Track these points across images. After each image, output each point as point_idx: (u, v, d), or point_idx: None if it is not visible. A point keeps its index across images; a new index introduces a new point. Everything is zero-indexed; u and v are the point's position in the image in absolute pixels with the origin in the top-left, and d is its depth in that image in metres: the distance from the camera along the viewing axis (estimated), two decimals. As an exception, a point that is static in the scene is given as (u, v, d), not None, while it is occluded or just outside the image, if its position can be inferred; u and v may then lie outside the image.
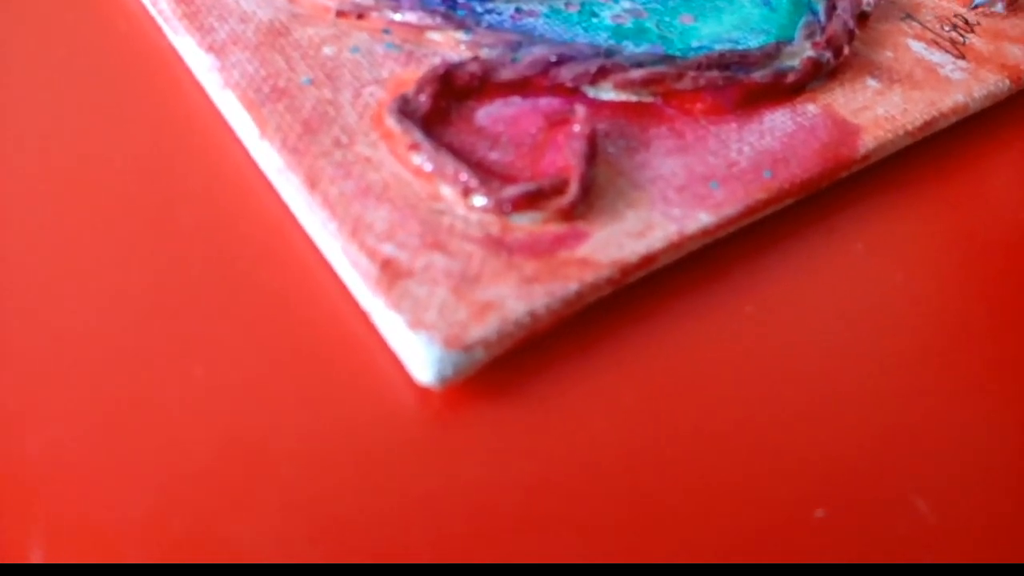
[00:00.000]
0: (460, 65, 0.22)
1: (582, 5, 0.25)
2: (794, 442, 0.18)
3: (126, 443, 0.16)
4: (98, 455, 0.16)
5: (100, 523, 0.16)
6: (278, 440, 0.17)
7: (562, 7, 0.25)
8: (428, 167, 0.20)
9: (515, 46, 0.23)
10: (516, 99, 0.22)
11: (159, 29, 0.23)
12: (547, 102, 0.22)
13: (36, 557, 0.15)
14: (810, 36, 0.25)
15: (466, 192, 0.19)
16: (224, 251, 0.19)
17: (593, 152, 0.20)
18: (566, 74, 0.22)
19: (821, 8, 0.26)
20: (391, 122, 0.20)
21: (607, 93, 0.23)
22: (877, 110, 0.24)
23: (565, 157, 0.21)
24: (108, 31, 0.23)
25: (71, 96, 0.22)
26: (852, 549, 0.17)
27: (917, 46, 0.26)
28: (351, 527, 0.16)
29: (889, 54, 0.25)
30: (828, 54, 0.24)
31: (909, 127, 0.23)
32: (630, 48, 0.24)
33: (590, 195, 0.20)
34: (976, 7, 0.27)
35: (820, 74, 0.24)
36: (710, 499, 0.17)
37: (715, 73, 0.23)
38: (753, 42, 0.25)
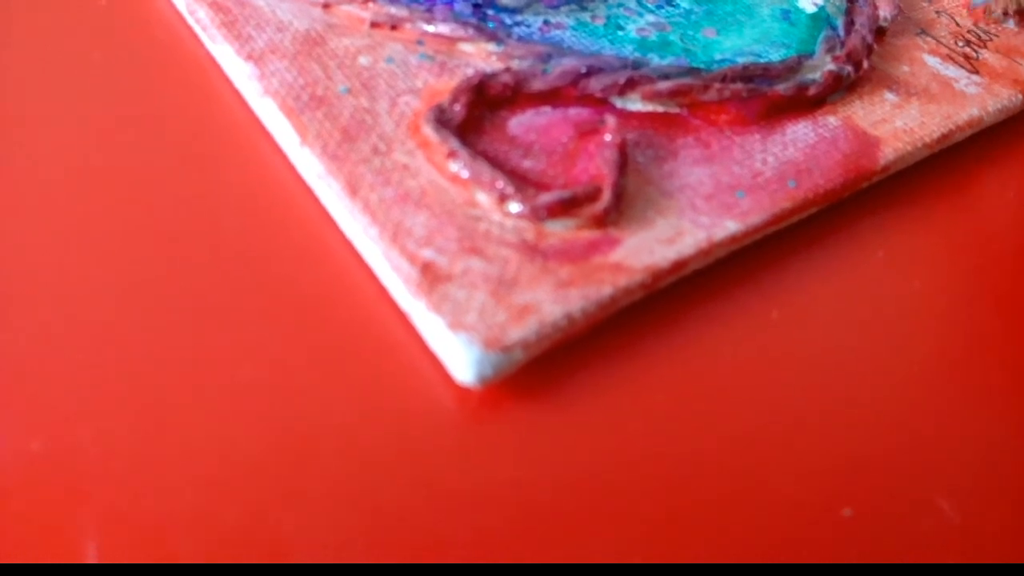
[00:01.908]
0: (493, 76, 0.22)
1: (608, 18, 0.25)
2: (821, 444, 0.19)
3: (177, 441, 0.17)
4: (150, 453, 0.17)
5: (151, 520, 0.16)
6: (323, 439, 0.17)
7: (588, 20, 0.25)
8: (465, 174, 0.20)
9: (545, 58, 0.23)
10: (547, 109, 0.23)
11: (197, 38, 0.24)
12: (577, 112, 0.23)
13: (91, 555, 0.16)
14: (830, 50, 0.25)
15: (502, 199, 0.20)
16: (267, 255, 0.20)
17: (624, 161, 0.21)
18: (595, 85, 0.23)
19: (840, 23, 0.26)
20: (428, 131, 0.21)
21: (634, 104, 0.23)
22: (895, 123, 0.24)
23: (597, 165, 0.21)
24: (147, 40, 0.24)
25: (112, 105, 0.22)
26: (878, 548, 0.18)
27: (932, 61, 0.27)
28: (394, 523, 0.17)
29: (906, 68, 0.26)
30: (848, 68, 0.25)
31: (927, 139, 0.24)
32: (655, 60, 0.24)
33: (621, 203, 0.21)
34: (976, 6, 0.28)
35: (840, 87, 0.24)
36: (741, 499, 0.18)
37: (739, 85, 0.23)
38: (774, 56, 0.25)
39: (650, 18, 0.26)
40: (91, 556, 0.16)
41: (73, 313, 0.18)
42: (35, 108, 0.22)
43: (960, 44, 0.28)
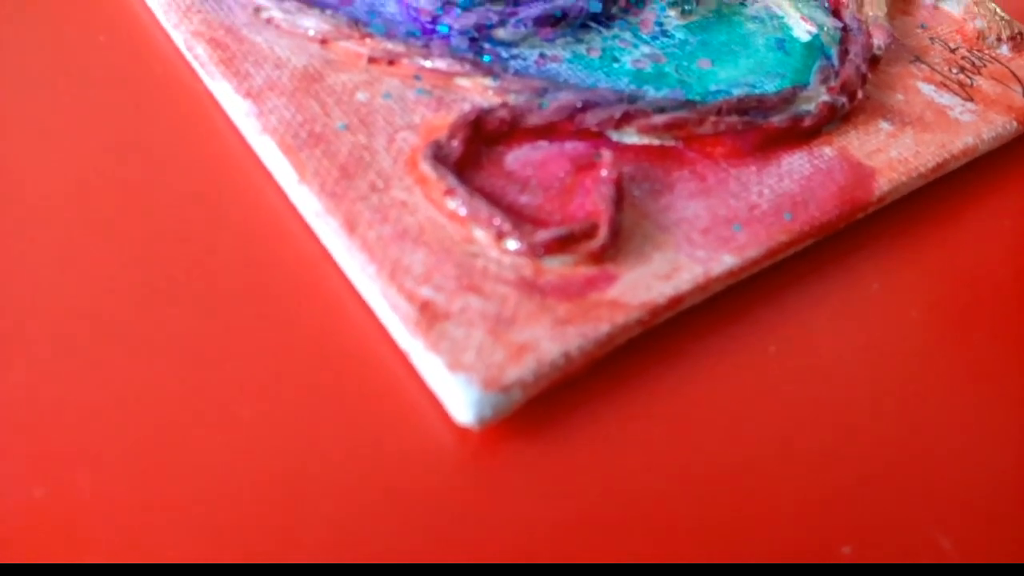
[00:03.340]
0: (490, 111, 0.22)
1: (603, 50, 0.26)
2: (820, 480, 0.19)
3: (175, 485, 0.17)
4: (150, 499, 0.17)
5: (150, 560, 0.16)
6: (321, 479, 0.17)
7: (584, 52, 0.26)
8: (463, 211, 0.20)
9: (541, 92, 0.23)
10: (543, 143, 0.23)
11: (195, 74, 0.24)
12: (573, 146, 0.23)
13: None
14: (825, 81, 0.25)
15: (499, 236, 0.20)
16: (266, 294, 0.20)
17: (620, 196, 0.21)
18: (591, 119, 0.23)
19: (834, 52, 0.27)
20: (426, 167, 0.21)
21: (630, 137, 0.23)
22: (890, 152, 0.24)
23: (593, 201, 0.21)
24: (146, 76, 0.24)
25: (111, 141, 0.23)
26: (877, 584, 0.18)
27: (927, 88, 0.27)
28: (394, 564, 0.17)
29: (900, 97, 0.26)
30: (843, 99, 0.25)
31: (922, 169, 0.24)
32: (651, 92, 0.24)
33: (618, 238, 0.21)
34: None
35: (835, 118, 0.25)
36: (741, 536, 0.18)
37: (734, 118, 0.23)
38: (769, 86, 0.26)
39: (645, 49, 0.26)
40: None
41: (73, 358, 0.18)
42: (34, 143, 0.22)
43: (954, 71, 0.28)
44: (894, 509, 0.19)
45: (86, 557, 0.16)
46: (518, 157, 0.22)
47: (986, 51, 0.29)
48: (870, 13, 0.28)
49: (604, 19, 0.26)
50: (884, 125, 0.25)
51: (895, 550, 0.18)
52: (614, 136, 0.23)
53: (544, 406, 0.19)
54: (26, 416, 0.17)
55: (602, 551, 0.17)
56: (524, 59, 0.25)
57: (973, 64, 0.28)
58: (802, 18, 0.28)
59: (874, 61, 0.27)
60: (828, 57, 0.27)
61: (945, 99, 0.27)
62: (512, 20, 0.25)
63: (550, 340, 0.19)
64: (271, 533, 0.17)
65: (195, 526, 0.17)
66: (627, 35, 0.26)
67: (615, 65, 0.25)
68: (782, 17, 0.28)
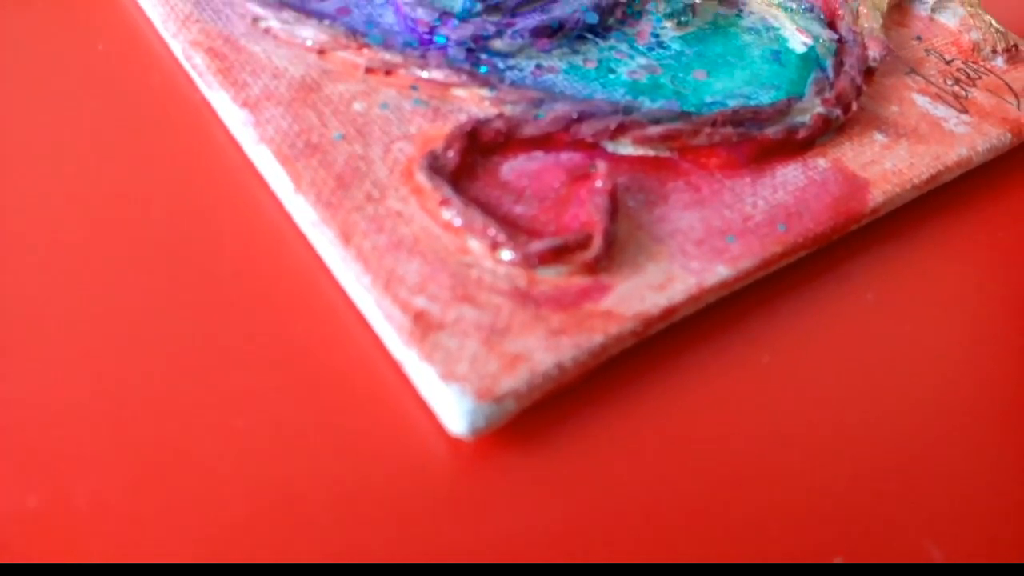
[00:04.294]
0: (486, 122, 0.23)
1: (599, 61, 0.26)
2: (813, 489, 0.19)
3: (169, 496, 0.17)
4: (144, 508, 0.17)
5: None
6: (314, 490, 0.18)
7: (580, 63, 0.26)
8: (458, 222, 0.20)
9: (537, 103, 0.23)
10: (539, 154, 0.23)
11: (193, 84, 0.24)
12: (569, 157, 0.23)
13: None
14: (820, 92, 0.26)
15: (494, 246, 0.20)
16: (262, 303, 0.20)
17: (615, 207, 0.21)
18: (587, 130, 0.23)
19: (829, 64, 0.27)
20: (421, 178, 0.21)
21: (625, 148, 0.23)
22: (885, 164, 0.24)
23: (588, 211, 0.21)
24: (143, 85, 0.24)
25: (108, 150, 0.23)
26: (869, 595, 0.18)
27: (922, 100, 0.27)
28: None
29: (895, 108, 0.26)
30: (837, 110, 0.25)
31: (916, 181, 0.24)
32: (647, 104, 0.25)
33: (612, 249, 0.21)
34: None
35: (830, 130, 0.25)
36: (734, 546, 0.18)
37: (729, 129, 0.24)
38: (764, 97, 0.26)
39: (641, 60, 0.26)
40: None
41: (67, 367, 0.18)
42: (31, 152, 0.22)
43: (949, 83, 0.28)
44: (885, 518, 0.19)
45: (77, 560, 0.16)
46: (514, 168, 0.22)
47: (981, 63, 0.29)
48: (866, 25, 0.28)
49: (600, 31, 0.27)
50: (879, 137, 0.25)
51: (886, 557, 0.18)
52: (609, 147, 0.23)
53: (537, 417, 0.19)
54: (20, 424, 0.17)
55: (594, 560, 0.17)
56: (521, 70, 0.25)
57: (968, 76, 0.28)
58: (798, 30, 0.28)
59: (869, 73, 0.27)
60: (823, 69, 0.27)
61: (940, 111, 0.27)
62: (509, 31, 0.25)
63: (544, 350, 0.19)
64: (265, 543, 0.17)
65: (189, 537, 0.17)
66: (623, 46, 0.26)
67: (611, 76, 0.25)
68: (778, 29, 0.28)
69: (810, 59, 0.27)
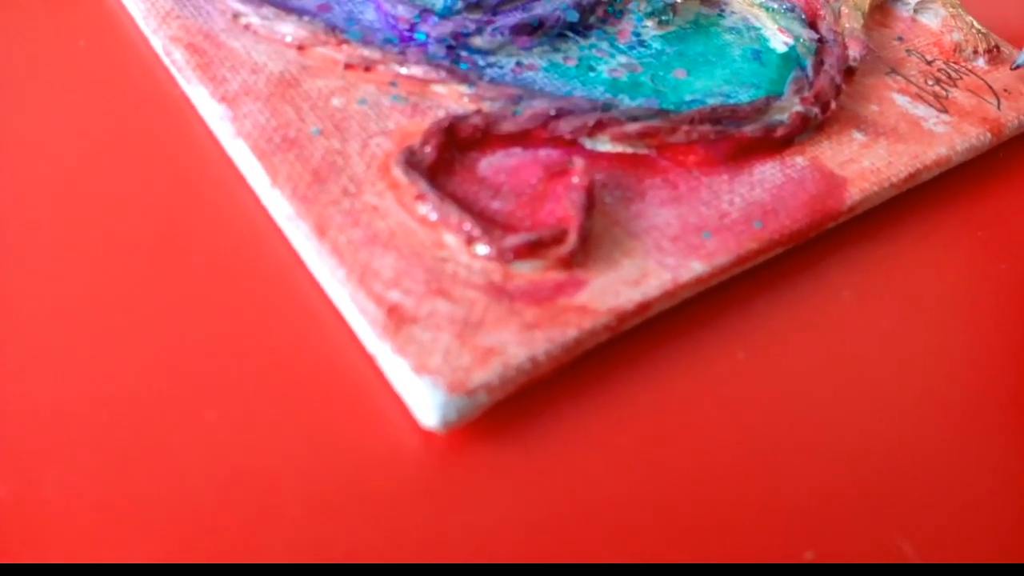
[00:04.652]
0: (464, 118, 0.23)
1: (580, 59, 0.26)
2: (784, 485, 0.19)
3: (138, 485, 0.17)
4: (114, 499, 0.17)
5: (115, 561, 0.16)
6: (285, 482, 0.18)
7: (561, 61, 0.26)
8: (433, 216, 0.20)
9: (516, 99, 0.24)
10: (517, 150, 0.23)
11: (173, 79, 0.24)
12: (546, 153, 0.23)
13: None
14: (799, 91, 0.26)
15: (469, 241, 0.20)
16: (236, 296, 0.20)
17: (591, 203, 0.21)
18: (565, 127, 0.23)
19: (809, 63, 0.27)
20: (398, 172, 0.21)
21: (604, 145, 0.23)
22: (863, 163, 0.25)
23: (564, 207, 0.21)
24: (124, 80, 0.24)
25: (88, 144, 0.23)
26: (840, 590, 0.18)
27: (902, 100, 0.27)
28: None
29: (875, 108, 0.26)
30: (816, 109, 0.25)
31: (894, 179, 0.24)
32: (626, 101, 0.25)
33: (588, 244, 0.21)
34: (1018, 67, 0.28)
35: (808, 128, 0.25)
36: (705, 540, 0.18)
37: (707, 127, 0.24)
38: (744, 96, 0.26)
39: (622, 59, 0.26)
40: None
41: (37, 357, 0.18)
42: (10, 146, 0.22)
43: (930, 83, 0.28)
44: (857, 514, 0.19)
45: (50, 558, 0.16)
46: (491, 163, 0.23)
47: (963, 64, 0.29)
48: (847, 25, 0.28)
49: (581, 29, 0.27)
50: (857, 135, 0.25)
51: (858, 554, 0.18)
52: (588, 144, 0.23)
53: (510, 411, 0.19)
54: (-10, 415, 0.17)
55: (566, 554, 0.17)
56: (501, 67, 0.25)
57: (949, 76, 0.28)
58: (779, 29, 0.28)
59: (849, 72, 0.27)
60: (803, 68, 0.27)
61: (920, 110, 0.27)
62: (489, 28, 0.25)
63: (517, 344, 0.19)
64: (235, 534, 0.17)
65: (159, 528, 0.17)
66: (604, 45, 0.27)
67: (591, 74, 0.25)
68: (759, 28, 0.28)
69: (790, 59, 0.27)
